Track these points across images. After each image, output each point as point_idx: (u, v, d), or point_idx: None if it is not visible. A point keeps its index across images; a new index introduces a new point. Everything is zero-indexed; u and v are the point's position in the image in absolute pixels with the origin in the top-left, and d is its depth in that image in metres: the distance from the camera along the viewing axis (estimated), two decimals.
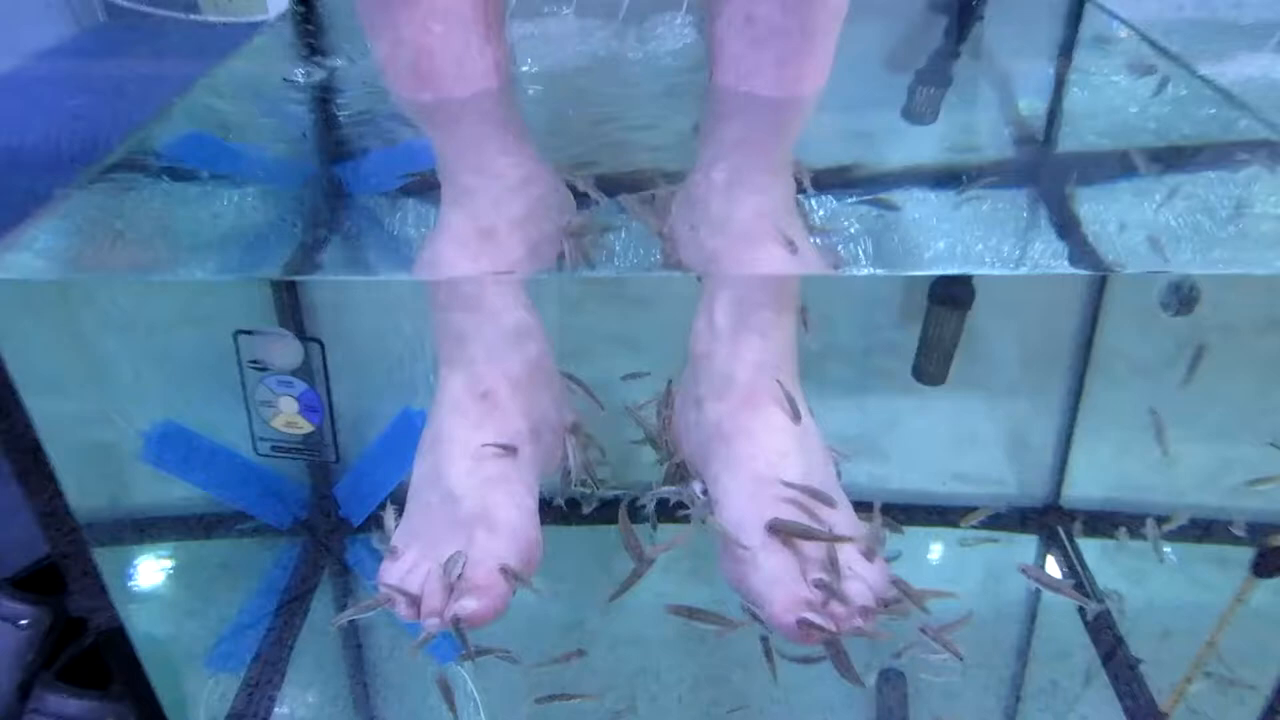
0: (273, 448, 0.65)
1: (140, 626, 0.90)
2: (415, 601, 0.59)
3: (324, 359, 0.60)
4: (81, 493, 0.92)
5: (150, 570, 0.95)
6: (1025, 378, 0.98)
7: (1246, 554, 0.87)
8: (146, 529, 0.96)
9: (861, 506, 0.63)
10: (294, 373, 0.60)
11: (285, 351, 0.59)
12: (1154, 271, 0.72)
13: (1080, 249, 0.60)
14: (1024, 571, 0.67)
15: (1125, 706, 0.86)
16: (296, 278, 0.68)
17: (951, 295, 0.85)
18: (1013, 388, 0.98)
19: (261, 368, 0.60)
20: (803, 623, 0.56)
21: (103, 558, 0.94)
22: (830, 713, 0.88)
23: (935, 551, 0.97)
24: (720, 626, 0.62)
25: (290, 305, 0.88)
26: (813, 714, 0.88)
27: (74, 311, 0.77)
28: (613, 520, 0.88)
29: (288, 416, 0.63)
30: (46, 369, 0.74)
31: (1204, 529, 0.95)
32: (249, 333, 0.58)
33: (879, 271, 0.56)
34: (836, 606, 0.57)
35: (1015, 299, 0.92)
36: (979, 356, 0.92)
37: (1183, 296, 0.79)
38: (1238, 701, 0.84)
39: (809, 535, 0.57)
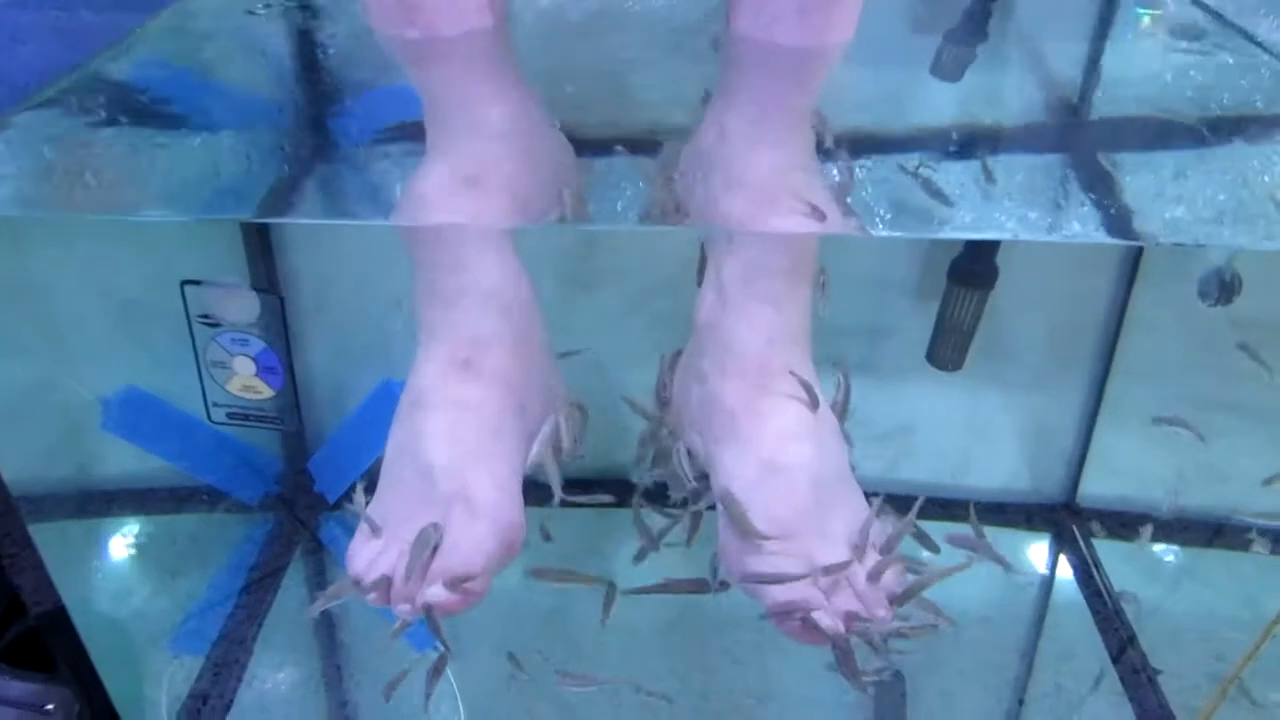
0: (228, 415, 0.60)
1: (104, 604, 0.87)
2: (386, 586, 0.55)
3: (283, 314, 0.54)
4: (46, 464, 0.88)
5: (118, 545, 0.93)
6: (1046, 368, 0.94)
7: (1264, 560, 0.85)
8: (114, 501, 0.94)
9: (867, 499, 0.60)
10: (250, 329, 0.55)
11: (239, 305, 0.53)
12: (1184, 244, 0.69)
13: (1113, 220, 0.56)
14: (950, 541, 0.63)
15: (1137, 712, 0.83)
16: (268, 219, 0.62)
17: (973, 274, 0.82)
18: (1032, 378, 0.95)
19: (213, 323, 0.55)
20: (806, 621, 0.53)
21: (68, 532, 0.90)
22: (824, 711, 0.86)
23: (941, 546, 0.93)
24: (595, 587, 0.59)
25: (266, 271, 0.84)
26: (805, 711, 0.85)
27: (28, 269, 0.73)
28: (600, 503, 0.84)
29: (244, 379, 0.58)
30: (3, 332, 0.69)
31: (1215, 531, 0.91)
32: (197, 283, 0.52)
33: (900, 234, 0.52)
34: (843, 604, 0.53)
35: (1040, 281, 0.88)
36: (998, 343, 0.89)
37: (1224, 286, 0.75)
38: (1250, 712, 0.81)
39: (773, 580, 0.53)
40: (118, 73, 0.60)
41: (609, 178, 0.56)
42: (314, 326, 0.89)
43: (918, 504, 0.57)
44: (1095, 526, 0.99)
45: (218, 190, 0.52)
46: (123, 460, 0.89)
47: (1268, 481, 0.78)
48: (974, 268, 0.81)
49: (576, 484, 0.87)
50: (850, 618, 0.53)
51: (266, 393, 0.59)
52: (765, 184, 0.54)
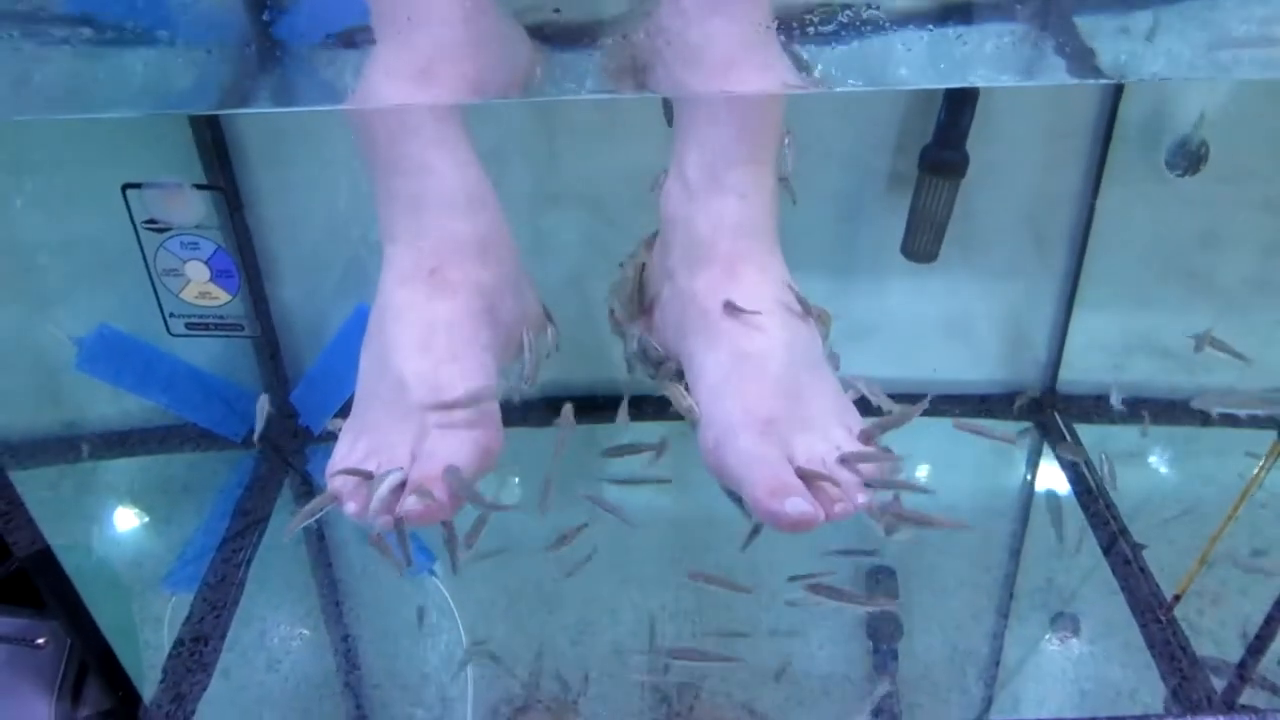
0: (187, 325, 0.59)
1: (97, 549, 0.86)
2: (364, 497, 0.55)
3: (230, 212, 0.53)
4: (30, 411, 0.87)
5: (108, 491, 0.93)
6: (1021, 255, 0.94)
7: (1245, 438, 0.84)
8: (102, 446, 0.93)
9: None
10: (199, 231, 0.53)
11: (183, 204, 0.52)
12: (1162, 78, 0.69)
13: (1087, 69, 0.56)
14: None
15: (1128, 601, 0.84)
16: (222, 111, 0.60)
17: (944, 162, 0.81)
18: (1008, 266, 0.94)
19: (160, 228, 0.53)
20: (791, 505, 0.52)
21: (57, 479, 0.90)
22: (818, 615, 0.86)
23: (924, 442, 0.94)
24: None
25: (232, 207, 0.83)
26: (799, 616, 0.86)
27: None
28: (592, 419, 0.84)
29: (199, 285, 0.57)
30: None
31: (1205, 416, 0.91)
32: (137, 186, 0.51)
33: (868, 88, 0.51)
34: (824, 490, 0.53)
35: (1011, 167, 0.87)
36: (972, 232, 0.88)
37: (1190, 155, 0.75)
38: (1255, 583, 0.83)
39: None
40: None
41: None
42: (287, 261, 0.89)
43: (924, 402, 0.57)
44: (1076, 413, 0.99)
45: (166, 97, 0.51)
46: (107, 403, 0.88)
47: (1197, 342, 0.77)
48: (944, 155, 0.81)
49: (555, 400, 0.88)
50: (830, 503, 0.53)
51: (224, 298, 0.58)
52: (723, 55, 0.54)
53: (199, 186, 0.51)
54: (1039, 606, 0.87)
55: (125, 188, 0.51)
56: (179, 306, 0.58)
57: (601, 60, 0.52)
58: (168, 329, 0.58)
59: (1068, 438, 0.97)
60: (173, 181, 0.51)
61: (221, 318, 0.58)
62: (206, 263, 0.56)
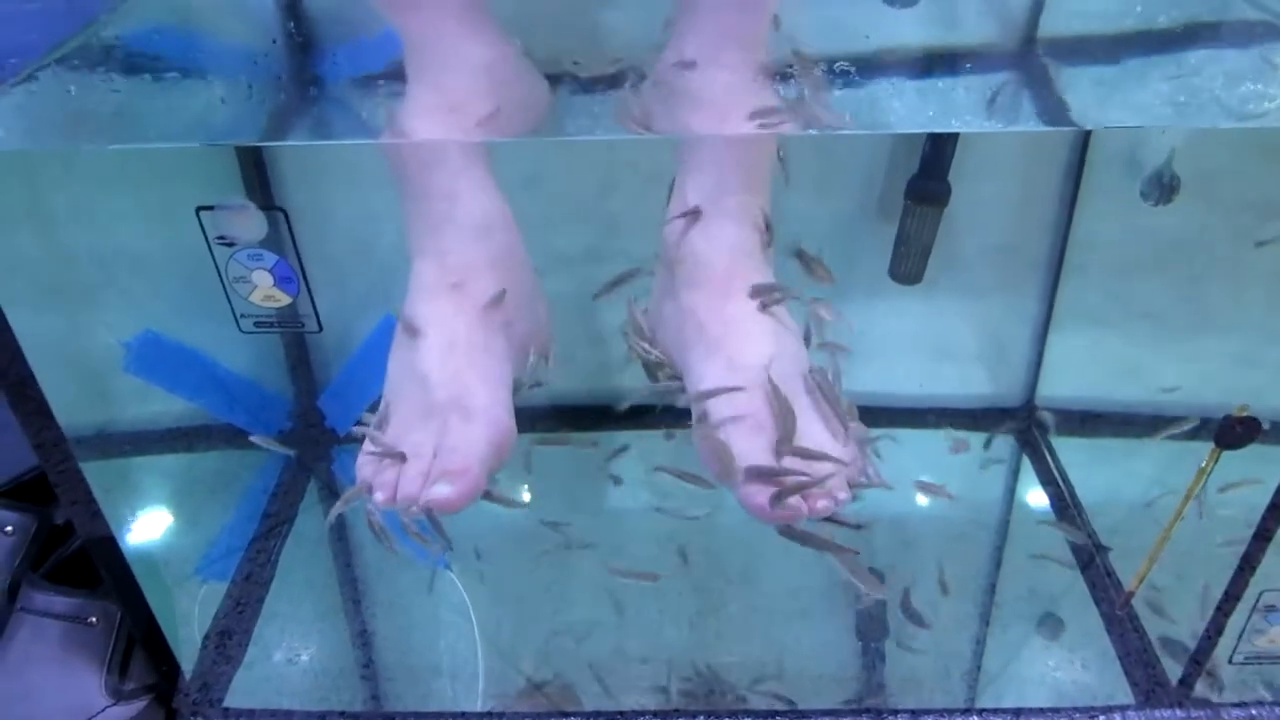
0: (255, 324, 0.65)
1: (132, 540, 0.90)
2: (392, 488, 0.60)
3: (289, 227, 0.60)
4: (72, 408, 0.91)
5: (143, 485, 0.94)
6: (1001, 277, 0.98)
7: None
8: (138, 441, 0.94)
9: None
10: (262, 245, 0.60)
11: (249, 223, 0.59)
12: (1128, 127, 0.73)
13: (1060, 119, 0.61)
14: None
15: (1102, 612, 0.87)
16: (265, 143, 0.66)
17: (928, 191, 0.85)
18: (988, 287, 0.98)
19: (229, 243, 0.60)
20: (773, 501, 0.57)
21: (92, 472, 0.94)
22: (811, 620, 0.89)
23: (909, 455, 0.97)
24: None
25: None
26: (793, 622, 0.89)
27: (46, 220, 0.77)
28: (602, 428, 0.87)
29: (265, 290, 0.63)
30: (28, 280, 0.74)
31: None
32: (210, 208, 0.58)
33: (858, 131, 0.56)
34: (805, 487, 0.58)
35: (990, 196, 0.91)
36: (955, 256, 0.92)
37: (1163, 186, 0.79)
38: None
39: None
40: (115, 34, 0.64)
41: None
42: (318, 274, 0.93)
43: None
44: (1052, 424, 1.03)
45: (214, 132, 0.58)
46: (143, 402, 0.91)
47: None
48: (928, 185, 0.85)
49: (559, 410, 0.92)
50: (812, 499, 0.58)
51: (286, 300, 0.64)
52: (721, 101, 0.59)
53: (262, 207, 0.58)
54: (1022, 616, 0.89)
55: (199, 210, 0.58)
56: (248, 308, 0.65)
57: (613, 104, 0.57)
58: (239, 327, 0.65)
59: (1044, 450, 1.01)
60: (240, 203, 0.58)
61: (284, 317, 0.66)
62: (270, 271, 0.63)
